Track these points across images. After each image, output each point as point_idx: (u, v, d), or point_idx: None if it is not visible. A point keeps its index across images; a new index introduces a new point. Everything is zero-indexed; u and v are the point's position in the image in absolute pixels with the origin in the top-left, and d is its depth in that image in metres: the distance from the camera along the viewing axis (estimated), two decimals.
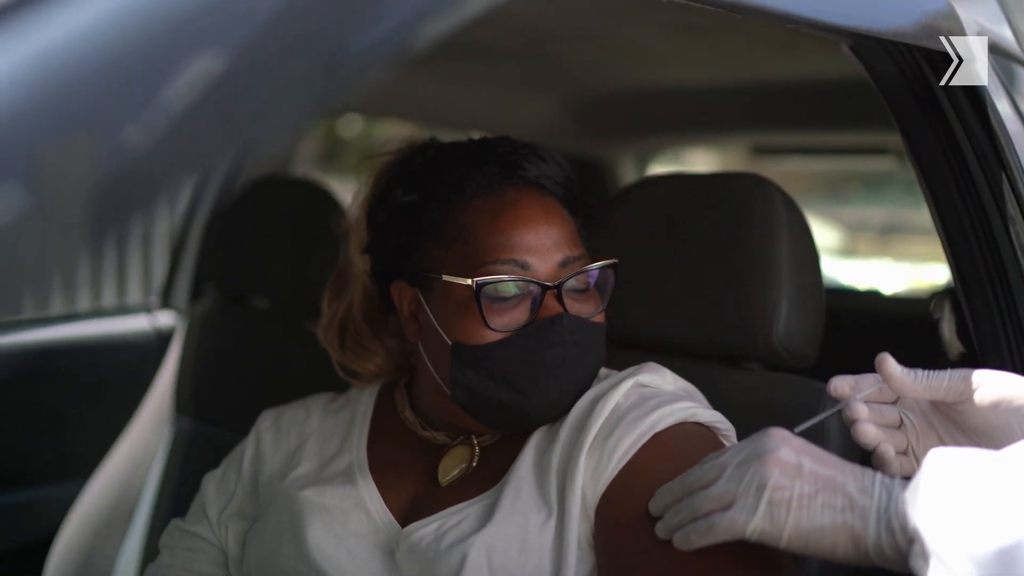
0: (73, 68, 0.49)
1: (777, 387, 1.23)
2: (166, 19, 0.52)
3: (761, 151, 3.00)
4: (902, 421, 1.00)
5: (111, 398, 2.14)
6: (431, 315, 1.09)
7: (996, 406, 0.93)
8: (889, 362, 0.96)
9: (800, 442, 0.88)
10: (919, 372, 0.96)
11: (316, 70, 0.57)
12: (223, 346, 2.05)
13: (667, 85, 2.33)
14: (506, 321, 1.05)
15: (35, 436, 2.07)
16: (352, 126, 7.80)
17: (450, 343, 1.07)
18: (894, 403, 1.01)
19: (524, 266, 1.05)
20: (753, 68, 2.12)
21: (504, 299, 1.05)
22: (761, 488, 0.84)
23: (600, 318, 1.11)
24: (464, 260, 1.06)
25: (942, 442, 0.98)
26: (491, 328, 1.04)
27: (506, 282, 1.04)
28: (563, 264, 1.07)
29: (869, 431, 0.96)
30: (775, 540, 0.85)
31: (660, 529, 0.92)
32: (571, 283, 1.07)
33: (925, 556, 0.79)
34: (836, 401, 0.99)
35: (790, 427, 0.92)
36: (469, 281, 1.03)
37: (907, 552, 0.81)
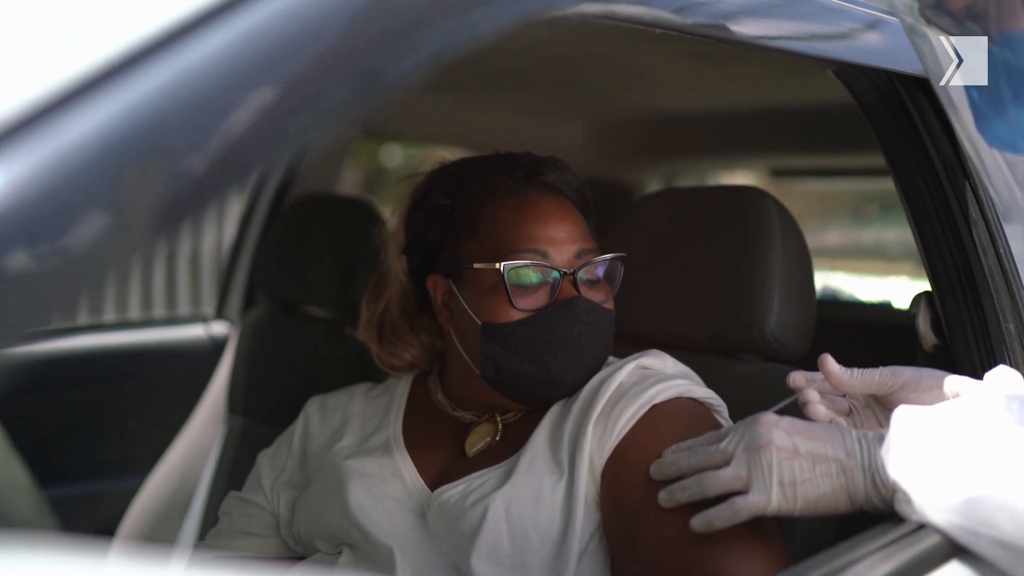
0: (155, 113, 0.58)
1: (771, 376, 1.36)
2: (234, 68, 0.61)
3: (779, 173, 3.13)
4: (851, 410, 1.17)
5: (170, 399, 2.32)
6: (463, 301, 1.25)
7: (919, 394, 1.10)
8: (829, 361, 1.14)
9: (787, 422, 1.03)
10: (855, 370, 1.13)
11: (355, 94, 0.66)
12: (273, 352, 2.22)
13: (686, 110, 2.48)
14: (529, 303, 1.20)
15: (102, 433, 2.25)
16: (394, 156, 8.04)
17: (480, 323, 1.22)
18: (844, 396, 1.17)
19: (544, 255, 1.21)
20: (767, 93, 2.24)
21: (527, 285, 1.20)
22: (770, 472, 0.99)
23: (609, 305, 1.26)
24: (492, 250, 1.22)
25: (881, 426, 1.14)
26: (516, 308, 1.19)
27: (528, 267, 1.19)
28: (578, 255, 1.23)
29: (819, 410, 1.13)
30: (790, 512, 1.00)
31: (665, 500, 1.06)
32: (584, 273, 1.22)
33: (907, 501, 0.95)
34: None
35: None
36: (498, 266, 1.19)
37: (891, 500, 0.97)
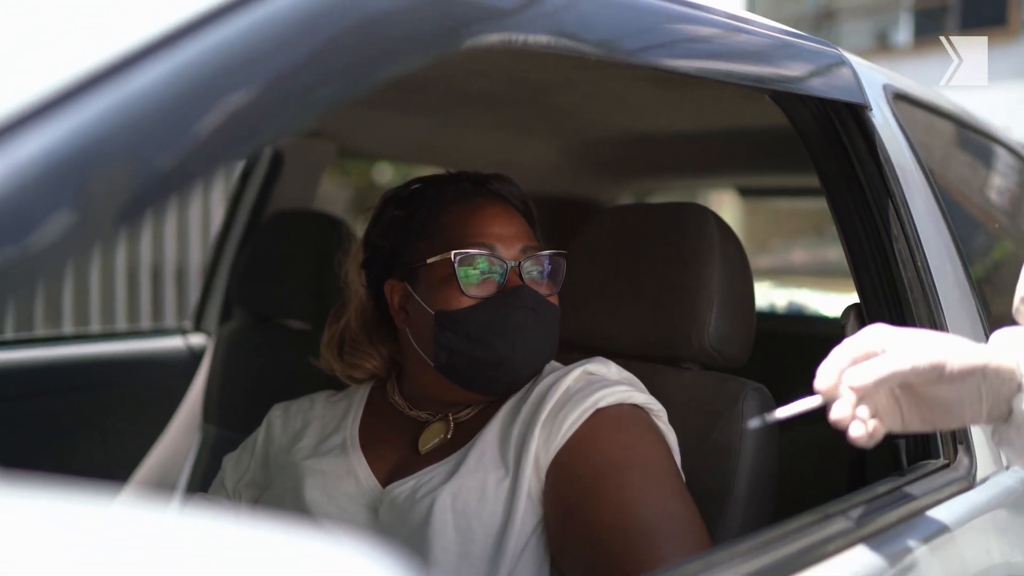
0: (132, 118, 0.61)
1: (709, 383, 1.44)
2: (216, 73, 0.64)
3: (744, 193, 3.21)
4: None
5: (148, 408, 2.39)
6: (417, 298, 1.34)
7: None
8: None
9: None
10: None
11: (334, 93, 0.70)
12: (247, 362, 2.28)
13: (653, 132, 2.56)
14: (478, 291, 1.30)
15: (81, 441, 2.31)
16: (384, 173, 8.22)
17: (433, 312, 1.31)
18: None
19: (492, 249, 1.31)
20: (729, 116, 2.33)
21: (476, 274, 1.29)
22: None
23: (554, 300, 1.35)
24: (444, 247, 1.31)
25: (899, 407, 1.06)
26: (466, 295, 1.29)
27: (477, 256, 1.29)
28: (523, 251, 1.33)
29: (859, 429, 1.01)
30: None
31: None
32: (529, 269, 1.32)
33: None
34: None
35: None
36: (450, 255, 1.29)
37: None
